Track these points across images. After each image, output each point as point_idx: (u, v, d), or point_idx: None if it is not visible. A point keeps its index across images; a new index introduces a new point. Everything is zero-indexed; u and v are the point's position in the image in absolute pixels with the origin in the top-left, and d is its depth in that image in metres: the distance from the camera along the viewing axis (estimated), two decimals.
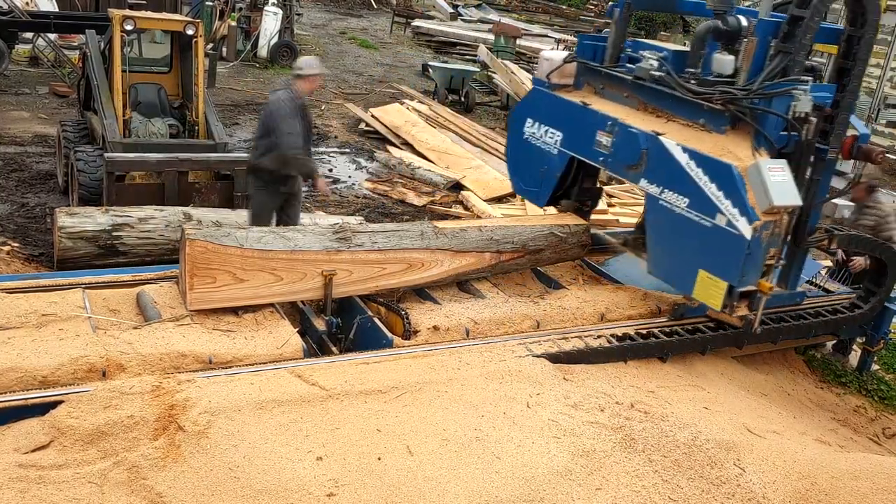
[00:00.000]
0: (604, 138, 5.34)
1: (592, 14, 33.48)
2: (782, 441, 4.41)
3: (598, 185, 6.40)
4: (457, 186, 10.75)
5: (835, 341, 6.81)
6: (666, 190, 4.92)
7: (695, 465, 3.91)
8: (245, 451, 3.50)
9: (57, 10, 15.52)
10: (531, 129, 6.04)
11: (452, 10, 28.69)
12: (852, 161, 5.85)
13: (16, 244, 7.31)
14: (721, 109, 4.74)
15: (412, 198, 10.25)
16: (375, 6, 30.73)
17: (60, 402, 3.63)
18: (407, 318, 4.86)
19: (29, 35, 14.53)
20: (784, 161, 4.62)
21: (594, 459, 3.85)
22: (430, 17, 27.60)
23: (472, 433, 3.88)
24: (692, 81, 4.88)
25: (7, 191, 8.77)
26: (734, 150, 4.66)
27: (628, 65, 5.44)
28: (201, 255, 4.47)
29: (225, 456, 3.46)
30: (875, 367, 6.76)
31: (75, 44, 14.68)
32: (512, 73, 14.69)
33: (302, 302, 5.08)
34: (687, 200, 4.78)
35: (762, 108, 4.64)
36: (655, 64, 5.07)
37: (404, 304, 5.13)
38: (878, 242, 6.00)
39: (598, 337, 5.01)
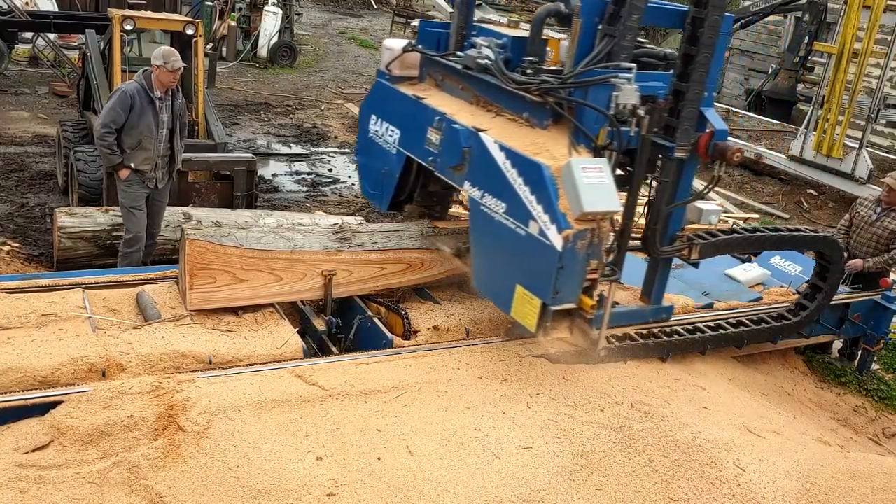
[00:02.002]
0: (433, 136, 4.67)
1: None
2: (782, 441, 4.41)
3: (446, 189, 5.47)
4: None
5: (840, 346, 6.82)
6: (486, 194, 4.28)
7: (694, 465, 3.91)
8: (245, 451, 3.50)
9: (57, 9, 15.52)
10: (374, 126, 5.37)
11: (452, 10, 28.65)
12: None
13: (16, 244, 7.31)
14: (541, 102, 4.17)
15: None
16: (375, 6, 30.74)
17: (60, 402, 3.63)
18: (407, 318, 4.86)
19: (29, 35, 14.54)
20: (604, 161, 4.04)
21: (594, 459, 3.85)
22: (431, 17, 27.62)
23: (471, 433, 3.89)
24: (528, 71, 4.24)
25: (7, 191, 8.77)
26: (552, 148, 4.07)
27: (460, 53, 4.81)
28: (201, 256, 4.47)
29: (225, 456, 3.46)
30: (875, 366, 6.77)
31: (75, 44, 14.67)
32: None
33: (302, 302, 5.08)
34: (504, 206, 4.15)
35: (577, 99, 4.04)
36: (485, 52, 4.46)
37: (404, 304, 5.13)
38: (796, 237, 5.49)
39: None
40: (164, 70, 5.93)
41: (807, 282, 6.03)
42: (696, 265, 5.18)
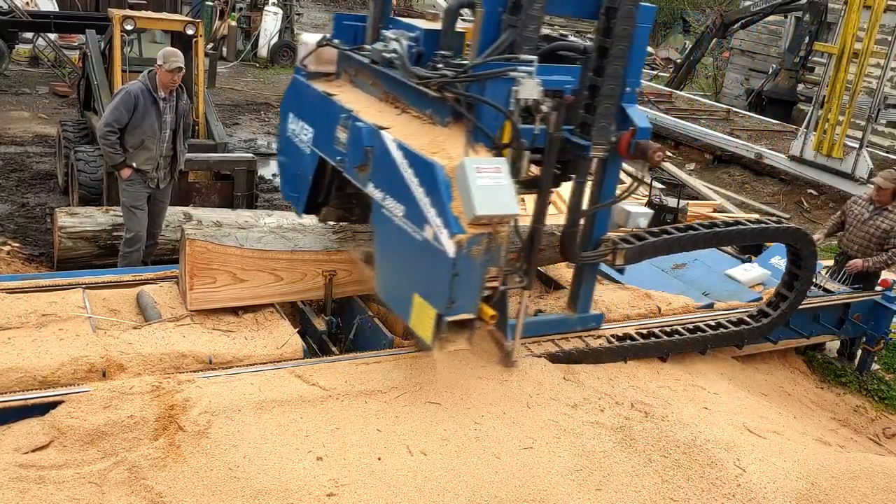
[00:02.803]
0: (341, 134, 4.36)
1: None
2: (782, 441, 4.41)
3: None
4: None
5: (839, 345, 6.82)
6: (387, 196, 3.99)
7: (695, 465, 3.91)
8: (245, 451, 3.50)
9: (57, 9, 15.53)
10: (291, 125, 5.08)
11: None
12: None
13: (16, 244, 7.31)
14: (441, 97, 3.90)
15: None
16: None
17: (60, 402, 3.63)
18: None
19: (29, 35, 14.56)
20: (502, 160, 3.73)
21: (594, 459, 3.85)
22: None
23: (471, 433, 3.89)
24: (440, 66, 3.92)
25: (7, 191, 8.77)
26: (449, 147, 3.78)
27: (369, 47, 4.53)
28: (201, 256, 4.47)
29: (225, 456, 3.46)
30: (875, 366, 6.77)
31: (75, 44, 14.69)
32: None
33: (302, 302, 5.08)
34: (403, 208, 3.85)
35: (472, 95, 3.76)
36: (392, 45, 4.19)
37: None
38: (743, 231, 5.11)
39: (598, 337, 5.01)
40: (163, 70, 5.94)
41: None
42: (621, 271, 4.99)
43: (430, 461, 3.65)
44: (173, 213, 6.96)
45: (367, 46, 4.53)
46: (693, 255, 6.79)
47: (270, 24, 17.90)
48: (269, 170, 11.06)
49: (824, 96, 12.56)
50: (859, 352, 6.69)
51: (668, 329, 5.25)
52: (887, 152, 15.65)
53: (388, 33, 4.27)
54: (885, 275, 6.91)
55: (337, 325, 4.87)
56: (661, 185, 11.03)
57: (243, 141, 12.20)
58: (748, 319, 5.56)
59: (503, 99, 3.74)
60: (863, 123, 12.81)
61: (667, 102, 18.47)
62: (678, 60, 23.83)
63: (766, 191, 13.77)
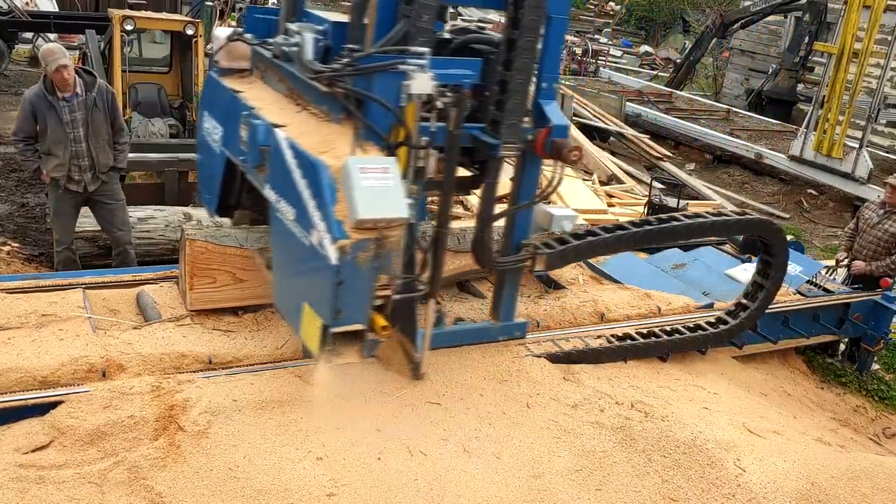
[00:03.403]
0: (243, 133, 4.06)
1: (592, 14, 33.50)
2: (782, 441, 4.41)
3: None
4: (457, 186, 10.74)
5: (843, 348, 6.81)
6: (280, 198, 3.70)
7: (695, 465, 3.91)
8: (245, 451, 3.50)
9: (57, 10, 15.54)
10: (206, 123, 4.80)
11: (452, 10, 28.68)
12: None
13: (16, 244, 7.32)
14: (330, 93, 3.67)
15: None
16: None
17: (60, 402, 3.63)
18: None
19: (29, 35, 14.55)
20: (391, 160, 3.42)
21: (594, 459, 3.85)
22: None
23: (471, 433, 3.89)
24: (345, 60, 3.62)
25: (7, 191, 8.78)
26: (339, 146, 3.51)
27: (276, 41, 4.25)
28: (201, 256, 4.47)
29: (225, 456, 3.46)
30: (875, 366, 6.77)
31: (75, 44, 14.68)
32: None
33: None
34: (294, 211, 3.56)
35: (357, 90, 3.51)
36: (294, 39, 3.93)
37: None
38: (677, 227, 4.71)
39: (598, 337, 5.01)
40: (49, 72, 5.63)
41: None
42: (543, 277, 4.70)
43: (430, 461, 3.65)
44: (173, 213, 6.96)
45: (276, 40, 4.22)
46: (693, 254, 6.80)
47: None
48: None
49: (824, 96, 12.57)
50: (860, 352, 6.69)
51: (668, 329, 5.25)
52: (887, 152, 15.66)
53: (293, 26, 4.00)
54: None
55: None
56: (661, 186, 11.04)
57: None
58: (706, 326, 5.33)
59: (393, 94, 3.44)
60: (863, 123, 12.82)
61: (667, 102, 18.49)
62: (678, 60, 23.86)
63: (766, 191, 13.78)
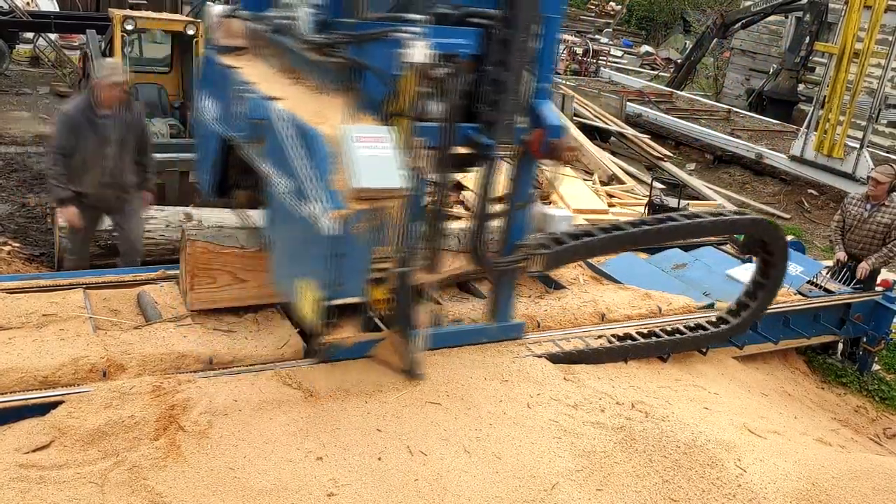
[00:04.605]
0: (238, 108, 4.07)
1: (593, 14, 33.50)
2: (783, 441, 4.41)
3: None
4: (458, 187, 10.75)
5: (842, 347, 6.81)
6: (276, 171, 3.70)
7: (695, 466, 3.91)
8: (245, 451, 3.50)
9: (58, 10, 15.54)
10: (201, 102, 4.82)
11: None
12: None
13: (16, 244, 7.31)
14: (326, 63, 3.71)
15: None
16: None
17: (61, 402, 3.63)
18: None
19: (30, 35, 14.55)
20: (386, 129, 3.41)
21: (595, 460, 3.85)
22: None
23: (472, 433, 3.89)
24: (327, 34, 3.71)
25: (7, 191, 8.78)
26: (333, 116, 3.50)
27: (270, 15, 4.26)
28: (202, 256, 4.47)
29: (225, 456, 3.46)
30: (876, 367, 6.77)
31: (76, 44, 14.69)
32: None
33: None
34: (289, 183, 3.55)
35: (353, 58, 3.52)
36: (288, 12, 3.93)
37: None
38: (677, 227, 4.71)
39: (599, 337, 5.01)
40: (102, 84, 5.44)
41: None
42: (542, 277, 4.67)
43: (431, 461, 3.65)
44: (174, 213, 6.96)
45: (269, 14, 4.21)
46: (694, 254, 6.79)
47: None
48: None
49: (825, 96, 12.57)
50: (860, 352, 6.69)
51: (668, 329, 5.25)
52: (888, 152, 15.64)
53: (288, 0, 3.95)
54: (885, 274, 6.92)
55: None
56: (661, 186, 11.04)
57: None
58: (707, 325, 5.34)
59: (389, 63, 3.38)
60: (863, 123, 12.80)
61: (667, 102, 18.48)
62: (679, 60, 23.84)
63: (767, 191, 13.77)
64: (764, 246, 5.10)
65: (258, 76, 4.17)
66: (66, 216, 5.62)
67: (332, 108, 3.57)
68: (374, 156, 3.29)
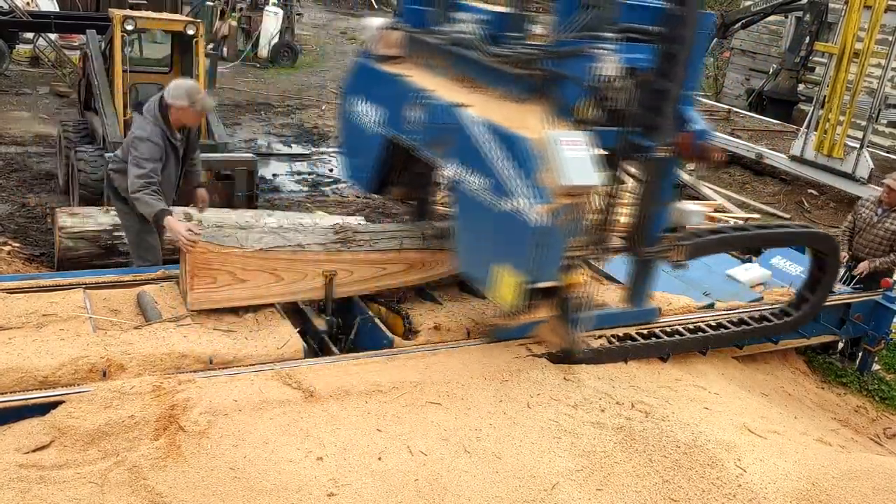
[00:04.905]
0: (415, 114, 4.59)
1: None
2: (783, 441, 4.41)
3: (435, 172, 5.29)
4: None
5: (841, 347, 6.81)
6: (466, 171, 4.18)
7: (695, 466, 3.91)
8: (245, 451, 3.50)
9: (58, 10, 15.54)
10: (356, 107, 5.27)
11: None
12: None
13: (16, 244, 7.32)
14: (522, 74, 4.16)
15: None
16: (376, 6, 30.75)
17: (61, 402, 3.63)
18: (408, 318, 4.86)
19: (30, 35, 14.56)
20: (583, 134, 3.95)
21: (595, 460, 3.85)
22: None
23: (472, 433, 3.89)
24: (518, 47, 4.22)
25: (8, 191, 8.78)
26: (530, 122, 4.00)
27: (444, 29, 4.71)
28: (202, 256, 4.47)
29: (225, 456, 3.46)
30: (876, 367, 6.77)
31: (76, 44, 14.69)
32: None
33: (302, 302, 5.07)
34: (483, 182, 4.05)
35: (554, 70, 3.98)
36: (466, 27, 4.44)
37: (405, 304, 5.13)
38: (786, 233, 5.49)
39: (599, 337, 5.01)
40: (191, 111, 5.21)
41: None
42: (682, 267, 5.09)
43: (431, 461, 3.65)
44: (174, 213, 6.95)
45: (442, 28, 4.69)
46: None
47: (271, 24, 17.89)
48: (270, 170, 11.06)
49: (825, 96, 12.56)
50: (860, 352, 6.69)
51: (668, 329, 5.25)
52: (888, 152, 15.64)
53: (462, 15, 4.51)
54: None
55: (337, 326, 4.86)
56: None
57: (244, 141, 12.21)
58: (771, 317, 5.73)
59: (584, 75, 3.93)
60: (863, 123, 12.80)
61: None
62: None
63: (767, 191, 13.76)
64: (821, 261, 5.66)
65: (433, 84, 4.63)
66: (177, 232, 4.61)
67: (524, 114, 4.05)
68: (575, 157, 3.82)
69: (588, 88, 3.96)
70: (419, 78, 4.76)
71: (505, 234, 3.97)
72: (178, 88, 5.20)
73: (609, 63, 3.93)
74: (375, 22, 5.17)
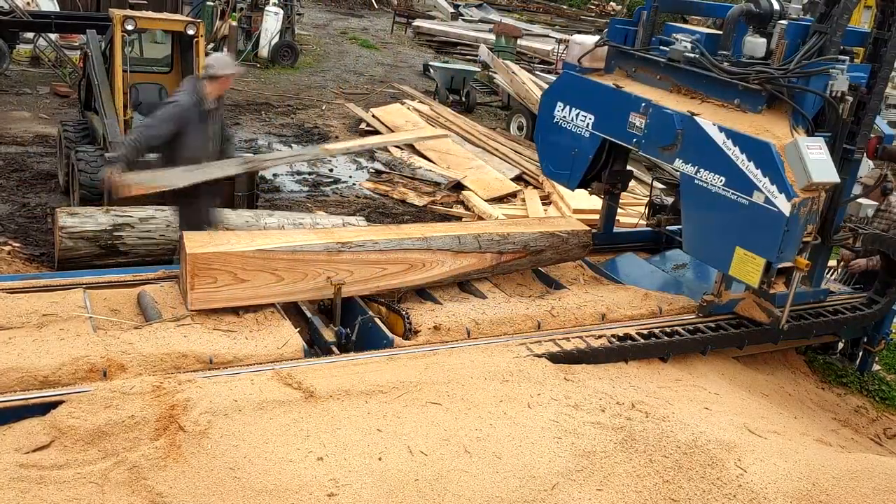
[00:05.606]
0: (637, 120, 5.44)
1: (593, 14, 33.50)
2: (783, 441, 4.41)
3: (628, 169, 6.53)
4: (458, 186, 10.76)
5: (841, 346, 6.80)
6: (702, 169, 5.01)
7: (696, 466, 3.91)
8: (246, 451, 3.50)
9: (58, 9, 15.53)
10: (561, 112, 6.10)
11: (453, 10, 28.69)
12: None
13: (17, 244, 7.31)
14: (757, 89, 4.88)
15: (413, 198, 10.26)
16: (376, 6, 30.75)
17: (61, 402, 3.63)
18: (408, 319, 4.86)
19: (30, 35, 14.54)
20: (822, 139, 4.74)
21: (595, 460, 3.85)
22: (431, 17, 27.60)
23: (472, 433, 3.88)
24: (725, 63, 5.01)
25: (8, 191, 8.77)
26: (771, 129, 4.78)
27: (662, 48, 5.56)
28: (202, 256, 4.47)
29: (225, 456, 3.46)
30: (876, 367, 6.76)
31: (76, 44, 14.68)
32: (513, 73, 14.68)
33: (305, 306, 5.07)
34: (724, 179, 4.87)
35: (801, 86, 4.78)
36: (689, 46, 5.21)
37: (405, 304, 5.13)
38: None
39: (599, 337, 5.01)
40: (223, 77, 5.45)
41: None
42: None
43: (431, 461, 3.65)
44: (174, 213, 6.95)
45: (662, 47, 5.56)
46: None
47: (271, 24, 17.88)
48: (270, 170, 11.05)
49: None
50: (860, 352, 6.68)
51: (668, 329, 5.25)
52: None
53: (680, 36, 5.32)
54: None
55: (346, 336, 4.76)
56: (661, 186, 11.02)
57: (244, 141, 12.20)
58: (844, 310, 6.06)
59: (822, 90, 4.84)
60: None
61: None
62: None
63: None
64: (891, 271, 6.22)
65: (652, 95, 5.45)
66: (111, 176, 5.10)
67: (763, 123, 4.85)
68: (818, 158, 4.62)
69: (825, 101, 4.83)
70: (633, 89, 5.56)
71: (752, 222, 4.74)
72: (220, 60, 5.66)
73: (841, 80, 4.80)
74: (588, 39, 6.08)
